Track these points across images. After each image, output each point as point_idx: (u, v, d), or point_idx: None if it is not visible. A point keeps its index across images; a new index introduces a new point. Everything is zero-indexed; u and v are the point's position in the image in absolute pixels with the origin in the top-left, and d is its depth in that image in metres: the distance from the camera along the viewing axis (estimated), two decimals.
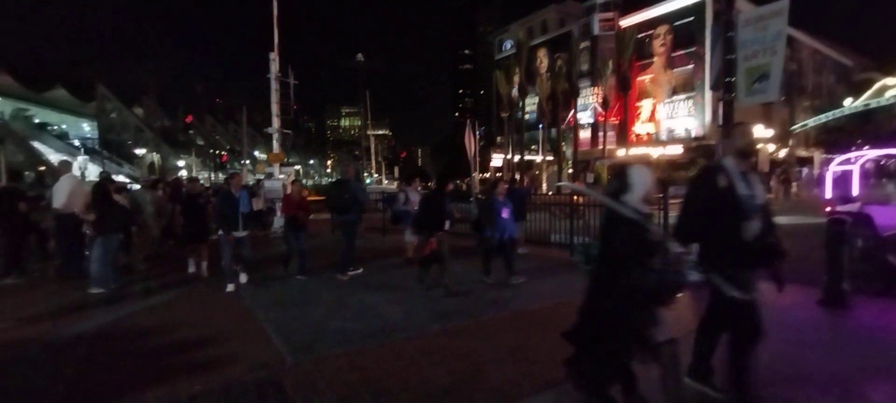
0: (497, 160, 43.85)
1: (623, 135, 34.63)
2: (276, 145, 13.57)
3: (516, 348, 3.83)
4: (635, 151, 32.85)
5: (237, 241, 6.14)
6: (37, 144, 41.37)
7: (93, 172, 33.72)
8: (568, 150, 37.30)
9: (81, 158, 33.35)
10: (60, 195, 6.49)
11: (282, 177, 12.85)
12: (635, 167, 2.40)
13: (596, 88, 35.65)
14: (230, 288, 5.90)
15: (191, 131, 55.44)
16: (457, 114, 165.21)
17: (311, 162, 67.76)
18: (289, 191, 6.88)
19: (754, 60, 6.15)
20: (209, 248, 6.91)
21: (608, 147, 33.97)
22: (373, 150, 50.16)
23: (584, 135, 37.35)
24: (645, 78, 34.40)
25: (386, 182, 37.70)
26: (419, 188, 7.83)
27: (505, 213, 5.98)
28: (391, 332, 4.23)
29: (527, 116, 40.29)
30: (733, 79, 5.95)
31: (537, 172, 38.67)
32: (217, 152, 51.72)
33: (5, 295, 5.81)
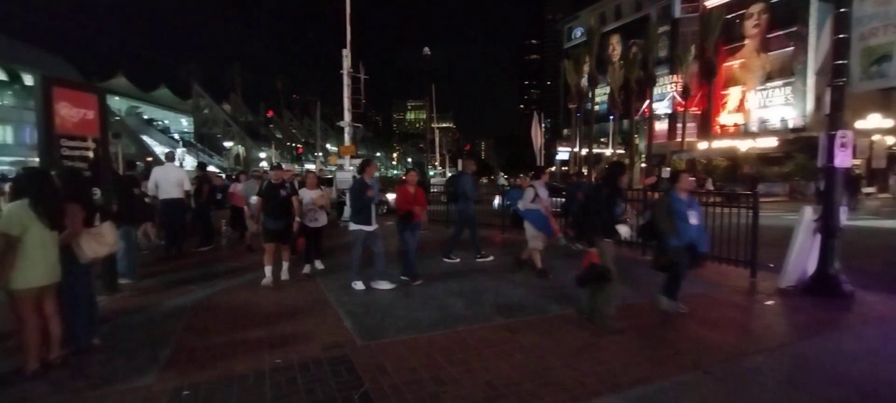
0: (563, 153, 42.48)
1: (706, 127, 31.89)
2: (347, 138, 14.22)
3: (583, 347, 3.71)
4: (720, 144, 30.07)
5: (368, 236, 5.53)
6: (145, 138, 47.04)
7: (190, 163, 37.73)
8: (641, 143, 35.18)
9: (180, 150, 37.46)
10: (160, 183, 7.35)
11: (351, 168, 13.44)
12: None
13: (675, 76, 33.15)
14: (358, 285, 5.42)
15: (271, 125, 59.84)
16: (522, 106, 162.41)
17: (378, 154, 70.29)
18: (407, 182, 6.02)
19: (873, 39, 5.33)
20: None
21: (688, 139, 31.44)
22: (437, 143, 50.83)
23: (660, 126, 34.99)
24: (733, 63, 31.33)
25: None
26: (546, 181, 6.69)
27: (693, 218, 4.42)
28: (454, 322, 4.28)
29: (596, 107, 38.57)
30: (845, 61, 5.21)
31: (606, 166, 36.91)
32: (293, 145, 55.43)
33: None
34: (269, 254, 5.80)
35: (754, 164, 27.04)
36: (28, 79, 37.02)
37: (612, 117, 36.98)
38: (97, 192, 4.75)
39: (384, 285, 5.44)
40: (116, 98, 48.66)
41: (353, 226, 5.52)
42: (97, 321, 3.87)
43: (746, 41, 30.57)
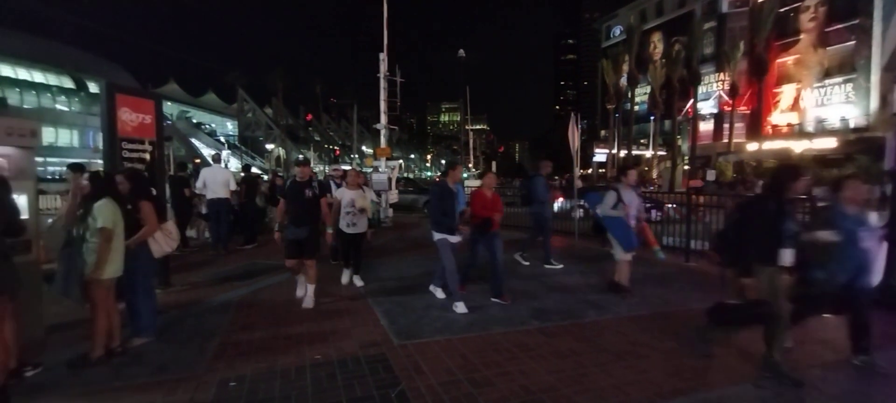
0: (600, 155, 41.38)
1: (756, 127, 30.17)
2: (383, 140, 14.46)
3: (622, 354, 3.60)
4: (771, 145, 28.36)
5: (453, 248, 4.87)
6: (194, 140, 49.68)
7: (234, 165, 39.55)
8: (684, 144, 33.77)
9: (225, 152, 39.34)
10: (208, 183, 7.76)
11: (385, 170, 13.66)
12: None
13: (722, 74, 31.62)
14: (460, 308, 4.61)
15: (310, 128, 61.73)
16: (557, 107, 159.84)
17: (412, 156, 71.05)
18: (483, 185, 5.28)
19: None
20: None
21: (736, 140, 29.85)
22: (471, 145, 50.82)
23: (705, 127, 33.45)
24: (787, 59, 29.49)
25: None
26: (633, 182, 5.37)
27: (868, 239, 3.32)
28: (490, 325, 4.26)
29: (636, 108, 37.36)
30: None
31: (646, 168, 35.65)
32: (331, 147, 56.97)
33: (177, 265, 7.08)
34: (296, 270, 5.05)
35: (811, 167, 25.35)
36: (92, 87, 40.03)
37: (652, 117, 35.68)
38: (153, 192, 5.08)
39: (459, 307, 4.62)
40: (168, 103, 51.71)
41: (437, 236, 4.84)
42: (156, 313, 4.14)
43: (802, 35, 28.70)
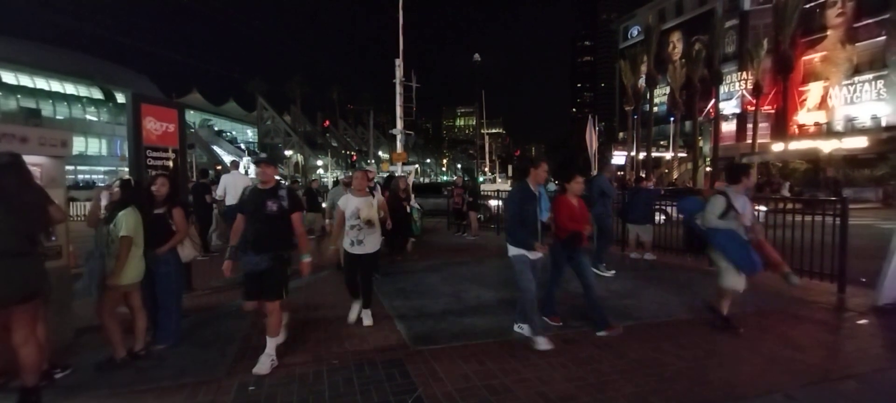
0: (619, 157, 40.77)
1: (781, 127, 29.33)
2: (399, 145, 14.56)
3: (643, 361, 3.51)
4: (798, 145, 27.48)
5: (532, 265, 3.89)
6: (215, 148, 50.92)
7: (254, 171, 40.37)
8: (706, 146, 33.02)
9: (245, 159, 40.21)
10: (228, 189, 7.92)
11: (402, 174, 13.73)
12: None
13: (744, 73, 30.88)
14: (542, 344, 3.72)
15: (327, 134, 62.61)
16: (574, 109, 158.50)
17: (428, 160, 71.29)
18: (569, 191, 4.31)
19: None
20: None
21: (760, 141, 29.04)
22: (487, 149, 50.69)
23: (728, 127, 32.67)
24: (813, 57, 28.63)
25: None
26: (750, 186, 4.59)
27: None
28: (507, 331, 4.21)
29: (655, 109, 36.73)
30: None
31: (666, 170, 34.96)
32: (348, 153, 57.60)
33: (199, 270, 7.23)
34: (261, 312, 3.69)
35: (840, 167, 24.44)
36: (120, 98, 41.46)
37: (672, 119, 35.01)
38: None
39: (542, 344, 3.73)
40: (191, 112, 53.20)
41: (513, 251, 3.94)
42: (181, 318, 4.22)
43: (829, 32, 27.82)
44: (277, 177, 3.71)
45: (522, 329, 4.09)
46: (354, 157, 54.73)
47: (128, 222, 3.43)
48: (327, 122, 61.13)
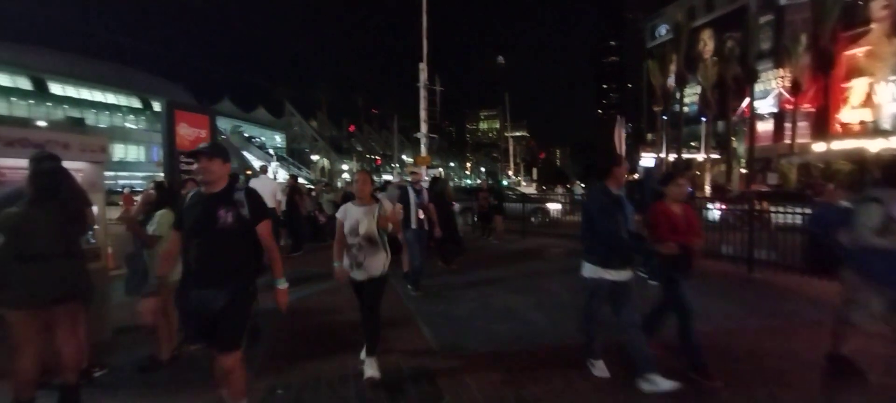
0: (647, 159, 39.72)
1: (822, 126, 27.87)
2: (423, 149, 14.58)
3: (682, 376, 3.33)
4: (841, 145, 26.07)
5: (616, 290, 3.19)
6: (245, 153, 52.45)
7: (282, 176, 41.35)
8: (740, 146, 31.76)
9: (274, 164, 41.27)
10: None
11: (426, 178, 13.72)
12: None
13: (781, 70, 29.52)
14: (660, 383, 3.01)
15: (352, 139, 63.58)
16: (600, 111, 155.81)
17: (452, 164, 71.36)
18: (669, 196, 3.43)
19: None
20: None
21: (799, 140, 27.69)
22: (511, 152, 50.34)
23: (764, 127, 31.29)
24: (856, 51, 27.10)
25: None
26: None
27: None
28: (536, 338, 4.10)
29: (685, 109, 35.62)
30: None
31: (698, 173, 33.82)
32: (372, 157, 58.34)
33: None
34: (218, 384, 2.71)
35: (889, 168, 23.03)
36: (156, 106, 43.30)
37: (704, 119, 33.82)
38: None
39: (660, 382, 3.00)
40: (223, 119, 54.99)
41: (588, 271, 3.26)
42: None
43: (873, 25, 26.28)
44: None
45: (594, 366, 3.35)
46: (379, 161, 55.39)
47: (161, 222, 3.52)
48: (352, 127, 62.09)
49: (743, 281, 6.21)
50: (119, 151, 40.39)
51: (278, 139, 63.61)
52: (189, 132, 5.44)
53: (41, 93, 38.04)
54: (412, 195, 5.84)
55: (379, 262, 3.37)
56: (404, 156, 57.59)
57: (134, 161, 42.25)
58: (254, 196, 2.56)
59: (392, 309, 5.15)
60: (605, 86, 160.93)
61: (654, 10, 46.88)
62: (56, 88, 38.95)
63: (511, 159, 51.26)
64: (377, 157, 57.48)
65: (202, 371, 3.46)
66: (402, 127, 51.67)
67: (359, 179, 3.53)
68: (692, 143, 36.24)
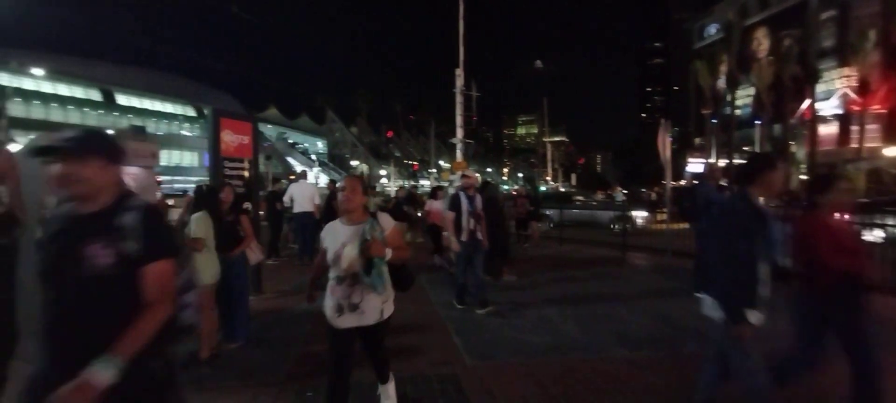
0: (695, 164, 37.82)
1: (894, 128, 25.51)
2: (459, 154, 14.56)
3: (731, 397, 3.07)
4: None
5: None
6: (290, 159, 54.58)
7: (323, 181, 42.76)
8: (800, 151, 29.62)
9: (316, 169, 42.69)
10: (295, 198, 8.34)
11: (458, 183, 13.68)
12: None
13: (846, 69, 27.33)
14: None
15: (390, 144, 64.75)
16: (643, 114, 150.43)
17: (489, 170, 71.08)
18: (825, 204, 2.51)
19: None
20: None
21: (868, 144, 25.45)
22: (549, 157, 49.46)
23: (826, 130, 29.03)
24: None
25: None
26: None
27: None
28: (569, 350, 3.94)
29: (737, 112, 33.71)
30: None
31: None
32: (410, 162, 59.15)
33: (269, 274, 7.65)
34: None
35: None
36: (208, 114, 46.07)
37: (758, 122, 31.86)
38: (248, 206, 5.52)
39: None
40: (269, 126, 57.57)
41: (708, 302, 2.44)
42: (249, 319, 4.44)
43: None
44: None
45: None
46: (416, 166, 56.04)
47: (197, 225, 3.66)
48: (390, 133, 63.25)
49: None
50: (175, 157, 43.17)
51: (320, 145, 65.79)
52: (233, 139, 5.67)
53: (109, 104, 41.43)
54: (465, 202, 5.20)
55: (375, 305, 2.48)
56: (441, 162, 57.95)
57: (188, 166, 44.98)
58: (152, 218, 1.50)
59: (422, 313, 5.14)
60: (649, 89, 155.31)
61: (702, 9, 44.81)
62: (122, 99, 42.32)
63: (549, 164, 50.34)
64: (414, 163, 58.19)
65: (240, 370, 3.57)
66: (439, 132, 52.08)
67: (346, 187, 2.51)
68: (745, 148, 34.19)
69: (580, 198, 19.52)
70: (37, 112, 35.92)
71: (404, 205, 10.29)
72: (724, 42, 34.28)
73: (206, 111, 46.90)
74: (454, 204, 5.29)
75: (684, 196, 6.53)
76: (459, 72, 14.15)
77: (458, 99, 14.20)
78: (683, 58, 50.37)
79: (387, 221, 2.58)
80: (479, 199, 5.35)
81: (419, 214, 10.18)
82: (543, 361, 3.70)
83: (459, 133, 14.28)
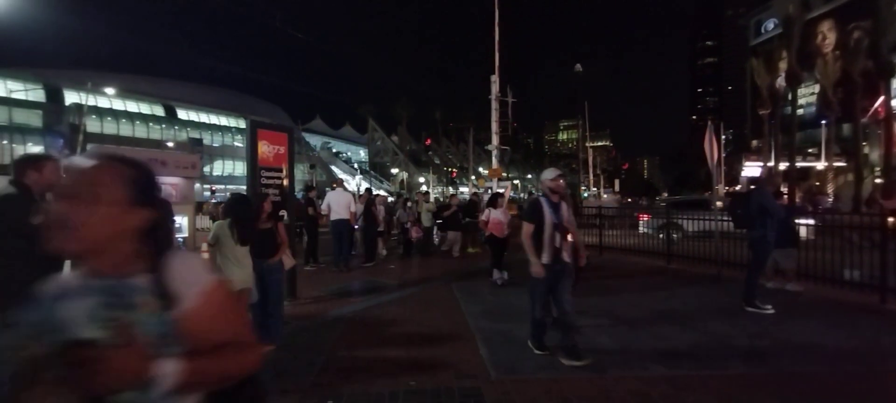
0: (751, 169, 35.39)
1: None
2: (494, 161, 14.43)
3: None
4: None
5: None
6: (333, 167, 56.38)
7: (364, 188, 43.86)
8: (873, 152, 27.03)
9: (358, 177, 43.79)
10: (332, 205, 8.52)
11: (501, 189, 13.51)
12: None
13: None
14: None
15: (430, 152, 65.31)
16: (694, 116, 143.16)
17: (529, 176, 69.96)
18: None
19: None
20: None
21: None
22: (591, 163, 47.99)
23: None
24: None
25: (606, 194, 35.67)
26: None
27: None
28: (602, 366, 3.73)
29: (800, 111, 31.28)
30: None
31: (817, 183, 29.35)
32: (448, 169, 59.36)
33: (306, 279, 7.86)
34: None
35: None
36: None
37: (824, 122, 29.38)
38: (284, 214, 5.70)
39: None
40: (314, 136, 59.82)
41: None
42: (282, 323, 4.56)
43: None
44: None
45: None
46: (455, 173, 56.16)
47: (212, 231, 3.81)
48: (429, 140, 63.84)
49: (869, 310, 5.14)
50: (228, 167, 45.82)
51: (362, 153, 67.53)
52: (269, 149, 5.89)
53: (171, 118, 44.61)
54: (548, 211, 3.92)
55: None
56: (480, 169, 57.75)
57: (240, 175, 47.56)
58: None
59: (452, 322, 5.07)
60: (700, 91, 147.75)
61: (759, 4, 42.15)
62: (182, 114, 45.45)
63: (590, 170, 48.85)
64: (453, 170, 58.35)
65: (266, 373, 3.65)
66: (478, 139, 51.95)
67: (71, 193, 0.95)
68: (809, 150, 31.63)
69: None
70: (109, 127, 39.30)
71: (462, 214, 10.43)
72: (783, 37, 31.96)
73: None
74: (533, 212, 3.98)
75: (737, 203, 6.18)
76: (495, 78, 14.08)
77: (494, 105, 14.11)
78: (738, 56, 47.56)
79: (193, 272, 0.97)
80: (565, 208, 4.03)
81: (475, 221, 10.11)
82: (574, 377, 3.52)
83: (495, 139, 14.17)
